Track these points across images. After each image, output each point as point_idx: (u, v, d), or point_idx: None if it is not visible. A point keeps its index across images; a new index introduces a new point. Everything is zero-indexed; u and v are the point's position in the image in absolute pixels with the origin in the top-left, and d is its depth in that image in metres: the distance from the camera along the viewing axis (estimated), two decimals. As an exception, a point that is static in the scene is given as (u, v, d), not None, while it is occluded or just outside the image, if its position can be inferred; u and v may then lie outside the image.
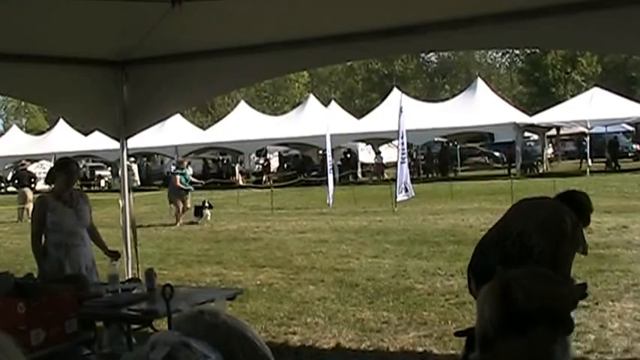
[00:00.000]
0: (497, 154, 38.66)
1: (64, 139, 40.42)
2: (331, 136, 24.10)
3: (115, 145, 6.97)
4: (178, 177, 19.09)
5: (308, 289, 9.08)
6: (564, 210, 4.30)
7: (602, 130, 35.83)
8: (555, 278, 2.15)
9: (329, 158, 23.65)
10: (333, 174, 24.56)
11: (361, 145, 39.42)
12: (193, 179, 21.18)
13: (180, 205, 18.64)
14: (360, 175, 38.74)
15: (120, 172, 7.36)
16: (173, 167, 24.15)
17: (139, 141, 24.90)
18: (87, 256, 6.06)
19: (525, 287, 1.99)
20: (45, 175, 38.60)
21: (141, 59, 6.39)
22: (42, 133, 51.92)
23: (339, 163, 35.74)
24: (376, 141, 36.77)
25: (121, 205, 7.05)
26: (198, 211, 18.64)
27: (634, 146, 40.24)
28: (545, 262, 4.03)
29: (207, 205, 18.71)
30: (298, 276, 10.05)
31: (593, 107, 30.88)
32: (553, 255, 4.09)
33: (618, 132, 38.47)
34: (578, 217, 4.48)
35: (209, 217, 18.64)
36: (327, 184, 22.47)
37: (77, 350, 4.84)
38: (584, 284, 4.66)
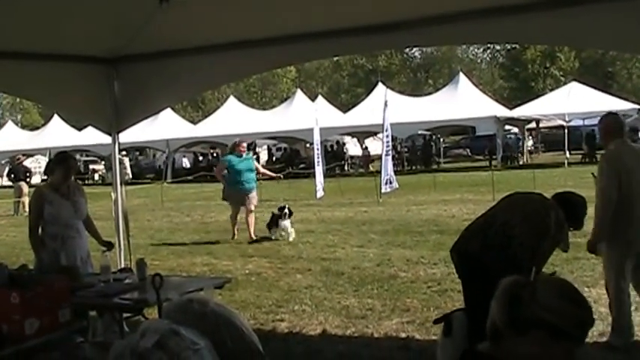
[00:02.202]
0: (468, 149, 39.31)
1: (58, 134, 40.54)
2: (319, 129, 24.26)
3: (108, 139, 7.09)
4: (235, 162, 12.88)
5: (295, 278, 9.26)
6: (552, 207, 4.35)
7: (580, 123, 36.22)
8: (573, 296, 2.13)
9: (317, 151, 23.79)
10: (321, 166, 24.71)
11: (346, 138, 39.66)
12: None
13: (238, 208, 13.20)
14: (346, 167, 39.02)
15: (112, 166, 7.47)
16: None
17: (132, 135, 24.92)
18: (82, 247, 6.18)
19: (535, 294, 2.06)
20: (40, 170, 38.35)
21: (131, 56, 6.50)
22: (37, 128, 51.92)
23: (327, 155, 36.05)
24: (362, 134, 37.05)
25: (113, 198, 7.18)
26: (275, 221, 13.00)
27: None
28: (522, 254, 4.12)
29: (286, 211, 12.92)
30: (286, 265, 10.23)
31: (571, 101, 31.25)
32: (532, 248, 4.14)
33: (595, 125, 38.73)
34: (572, 219, 4.53)
35: (291, 231, 12.84)
36: (314, 176, 22.62)
37: (71, 339, 4.93)
38: (553, 274, 4.81)
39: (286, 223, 12.84)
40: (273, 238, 12.77)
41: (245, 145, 13.28)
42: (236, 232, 13.18)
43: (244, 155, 13.01)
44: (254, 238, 12.80)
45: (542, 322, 2.01)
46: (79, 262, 5.98)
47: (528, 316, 2.03)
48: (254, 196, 13.19)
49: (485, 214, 4.67)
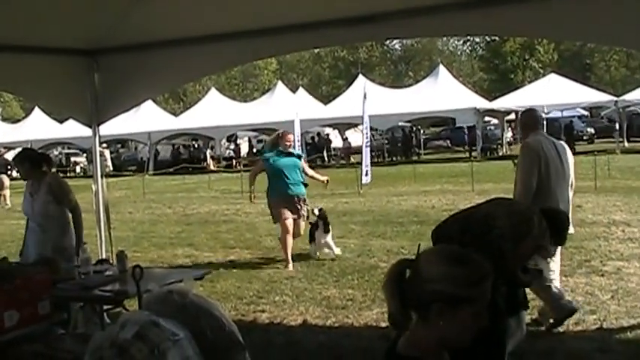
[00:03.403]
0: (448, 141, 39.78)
1: (39, 127, 40.40)
2: (299, 121, 24.30)
3: (89, 132, 7.05)
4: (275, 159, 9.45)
5: (276, 269, 9.29)
6: (537, 213, 4.43)
7: (559, 114, 36.54)
8: (455, 256, 2.05)
9: (297, 143, 23.83)
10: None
11: (328, 130, 39.75)
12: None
13: (288, 217, 9.31)
14: (327, 158, 39.13)
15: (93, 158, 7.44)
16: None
17: (113, 128, 24.88)
18: (42, 243, 6.09)
19: (418, 270, 1.99)
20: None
21: (112, 48, 6.47)
22: (18, 121, 51.54)
23: (308, 147, 36.16)
24: (342, 126, 37.13)
25: (93, 190, 7.16)
26: (312, 233, 9.95)
27: (588, 130, 41.16)
28: (500, 245, 4.18)
29: (321, 214, 9.92)
30: (267, 256, 10.28)
31: (549, 93, 31.51)
32: (512, 243, 4.20)
33: (574, 116, 39.26)
34: (555, 233, 4.61)
35: (332, 243, 9.85)
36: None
37: (52, 331, 4.93)
38: (540, 270, 4.89)
39: (327, 239, 9.76)
40: (314, 257, 9.76)
41: (291, 137, 9.83)
42: (290, 259, 9.33)
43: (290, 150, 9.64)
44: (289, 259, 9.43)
45: (434, 295, 1.93)
46: (35, 258, 5.91)
47: (420, 295, 1.96)
48: (304, 206, 9.53)
49: (470, 207, 4.73)
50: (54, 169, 6.35)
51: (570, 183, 6.24)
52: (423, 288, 1.96)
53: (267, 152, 9.58)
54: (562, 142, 6.26)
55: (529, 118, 6.25)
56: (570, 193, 6.24)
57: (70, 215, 6.23)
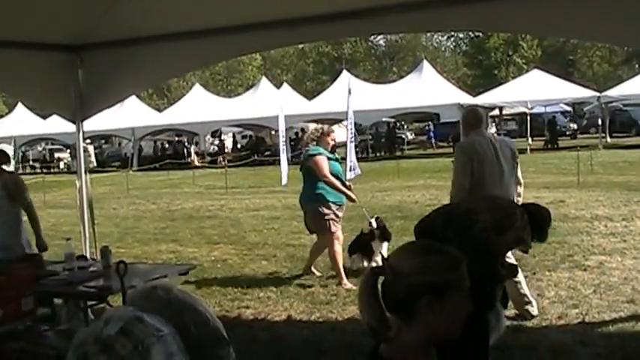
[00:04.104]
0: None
1: (22, 122, 40.01)
2: (284, 117, 24.29)
3: (73, 127, 7.02)
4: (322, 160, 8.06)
5: (261, 265, 9.30)
6: (519, 207, 4.48)
7: (542, 110, 36.77)
8: (426, 247, 2.08)
9: (282, 138, 23.84)
10: (286, 153, 24.79)
11: (313, 125, 39.76)
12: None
13: (338, 228, 8.10)
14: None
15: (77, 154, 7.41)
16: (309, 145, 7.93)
17: (97, 123, 24.65)
18: None
19: (395, 269, 1.95)
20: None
21: (96, 43, 6.44)
22: (1, 117, 51.00)
23: (292, 142, 36.12)
24: (327, 121, 37.05)
25: (77, 186, 7.13)
26: (363, 244, 8.52)
27: (571, 125, 41.46)
28: (482, 239, 4.21)
29: (379, 223, 8.53)
30: (251, 252, 10.28)
31: (533, 88, 31.63)
32: (494, 235, 4.24)
33: (557, 112, 39.51)
34: (536, 230, 4.66)
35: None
36: (279, 163, 22.68)
37: (36, 327, 4.92)
38: (515, 266, 4.93)
39: (383, 249, 8.18)
40: (354, 268, 8.41)
41: (334, 137, 8.35)
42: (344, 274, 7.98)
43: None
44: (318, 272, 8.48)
45: (419, 288, 1.90)
46: None
47: (401, 295, 1.93)
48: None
49: (452, 203, 4.78)
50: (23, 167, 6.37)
51: (518, 180, 6.33)
52: (403, 286, 1.92)
53: (314, 149, 8.07)
54: (507, 140, 6.41)
55: (471, 117, 6.38)
56: (519, 190, 6.33)
57: (22, 217, 6.34)
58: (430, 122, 40.10)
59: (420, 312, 1.90)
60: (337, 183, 8.03)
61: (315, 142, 8.15)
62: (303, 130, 38.97)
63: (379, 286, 1.96)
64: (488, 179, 5.88)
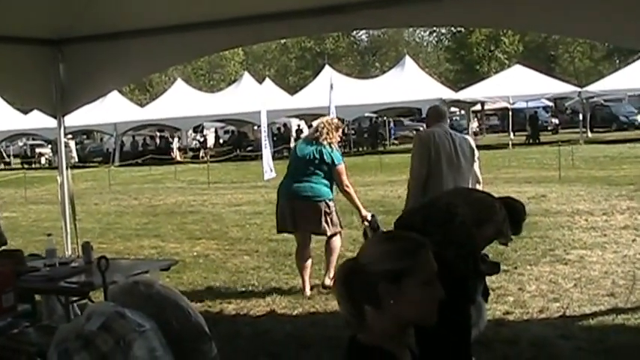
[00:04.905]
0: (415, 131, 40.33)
1: (3, 117, 39.45)
2: (266, 112, 24.25)
3: (54, 123, 6.96)
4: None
5: (243, 260, 9.29)
6: (497, 200, 4.51)
7: (524, 105, 36.99)
8: (389, 235, 2.14)
9: (264, 133, 23.79)
10: (269, 148, 24.76)
11: (298, 121, 39.74)
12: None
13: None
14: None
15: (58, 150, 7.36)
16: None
17: (78, 119, 24.49)
18: None
19: (358, 259, 2.01)
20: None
21: (77, 38, 6.38)
22: (-19, 112, 50.44)
23: (274, 138, 36.13)
24: (309, 116, 37.06)
25: (59, 182, 7.07)
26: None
27: (553, 120, 41.75)
28: (462, 232, 4.24)
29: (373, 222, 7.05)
30: (233, 247, 10.26)
31: (515, 83, 31.81)
32: (474, 227, 4.27)
33: (538, 107, 39.80)
34: (511, 223, 4.69)
35: None
36: (261, 158, 22.67)
37: (16, 323, 4.88)
38: (497, 264, 4.95)
39: None
40: None
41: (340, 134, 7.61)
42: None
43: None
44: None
45: (376, 276, 1.94)
46: None
47: (365, 284, 1.96)
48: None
49: (432, 195, 4.77)
50: None
51: (478, 179, 6.40)
52: (364, 276, 1.96)
53: (336, 155, 7.35)
54: (466, 137, 6.43)
55: (433, 112, 6.52)
56: (478, 188, 6.29)
57: None
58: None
59: (383, 299, 1.94)
60: (354, 196, 7.56)
61: (326, 137, 7.27)
62: (285, 125, 39.00)
63: (350, 278, 2.00)
64: (445, 170, 5.93)
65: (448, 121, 6.57)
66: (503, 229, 4.31)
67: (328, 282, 7.14)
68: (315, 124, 7.82)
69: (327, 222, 7.33)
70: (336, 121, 7.65)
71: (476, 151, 6.31)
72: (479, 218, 4.18)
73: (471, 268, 4.33)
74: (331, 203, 7.38)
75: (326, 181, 7.31)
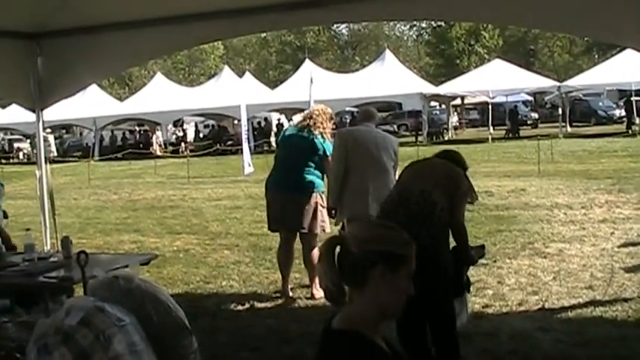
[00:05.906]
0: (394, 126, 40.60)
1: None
2: (246, 106, 24.21)
3: (32, 117, 6.89)
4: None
5: (223, 254, 9.28)
6: (455, 167, 4.58)
7: (504, 99, 37.20)
8: (381, 223, 2.24)
9: (244, 128, 23.75)
10: (249, 143, 24.75)
11: (279, 115, 39.70)
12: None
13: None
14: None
15: (36, 144, 7.29)
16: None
17: (57, 113, 24.29)
18: None
19: (355, 236, 2.02)
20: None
21: (55, 31, 6.31)
22: (-41, 107, 49.88)
23: (255, 132, 36.10)
24: (289, 111, 37.05)
25: (37, 176, 7.01)
26: None
27: (532, 115, 42.05)
28: (445, 217, 4.30)
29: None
30: (214, 241, 10.24)
31: (494, 78, 32.00)
32: (451, 210, 4.33)
33: (518, 101, 40.03)
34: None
35: None
36: (242, 153, 22.64)
37: (-6, 319, 4.85)
38: (482, 246, 5.00)
39: None
40: None
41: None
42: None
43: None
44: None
45: (375, 256, 1.95)
46: None
47: (356, 262, 1.96)
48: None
49: (395, 189, 4.68)
50: None
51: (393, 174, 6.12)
52: (362, 252, 1.96)
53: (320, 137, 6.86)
54: (390, 137, 6.55)
55: (362, 113, 7.11)
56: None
57: None
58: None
59: (372, 281, 1.95)
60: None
61: (319, 127, 6.85)
62: (266, 119, 38.95)
63: (336, 254, 2.01)
64: (364, 162, 6.11)
65: (376, 122, 6.82)
66: (468, 190, 4.45)
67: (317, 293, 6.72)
68: (307, 111, 7.43)
69: (316, 218, 6.77)
70: (329, 110, 7.14)
71: (397, 154, 6.27)
72: (451, 193, 4.29)
73: (462, 258, 4.40)
74: (324, 196, 6.82)
75: (318, 172, 6.84)
